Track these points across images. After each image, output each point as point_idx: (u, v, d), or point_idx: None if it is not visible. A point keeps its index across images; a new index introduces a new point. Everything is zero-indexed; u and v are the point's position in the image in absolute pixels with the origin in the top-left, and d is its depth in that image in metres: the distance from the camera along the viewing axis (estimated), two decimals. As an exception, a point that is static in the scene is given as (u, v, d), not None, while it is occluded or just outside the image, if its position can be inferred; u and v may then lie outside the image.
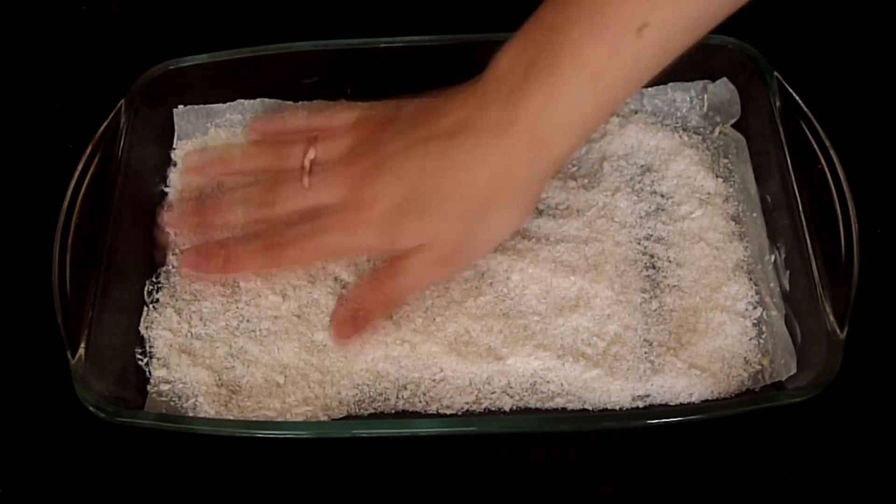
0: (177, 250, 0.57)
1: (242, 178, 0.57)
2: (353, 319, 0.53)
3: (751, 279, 0.55)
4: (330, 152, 0.54)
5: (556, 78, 0.48)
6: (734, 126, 0.60)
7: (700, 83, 0.61)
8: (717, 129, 0.61)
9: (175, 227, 0.57)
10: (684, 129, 0.61)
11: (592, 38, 0.47)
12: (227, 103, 0.61)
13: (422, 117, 0.53)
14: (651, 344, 0.53)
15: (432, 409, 0.52)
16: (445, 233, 0.51)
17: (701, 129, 0.61)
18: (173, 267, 0.57)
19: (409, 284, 0.53)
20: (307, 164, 0.54)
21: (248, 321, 0.55)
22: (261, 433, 0.49)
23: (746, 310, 0.54)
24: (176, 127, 0.61)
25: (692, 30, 0.48)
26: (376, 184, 0.52)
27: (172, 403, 0.52)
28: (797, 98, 0.56)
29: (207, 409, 0.52)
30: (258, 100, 0.61)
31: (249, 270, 0.55)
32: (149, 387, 0.53)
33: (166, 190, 0.59)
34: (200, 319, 0.55)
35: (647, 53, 0.48)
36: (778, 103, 0.56)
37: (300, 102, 0.61)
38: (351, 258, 0.56)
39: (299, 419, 0.51)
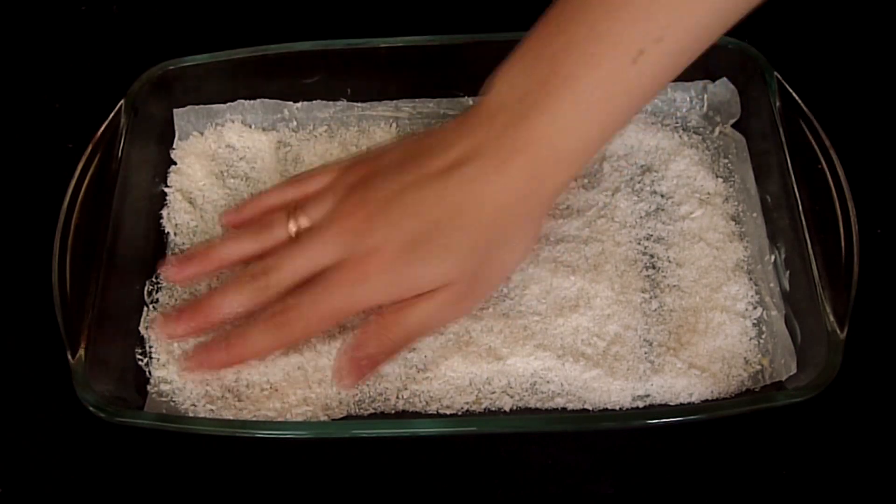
0: (176, 250, 0.57)
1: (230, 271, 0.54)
2: (356, 368, 0.50)
3: (751, 279, 0.55)
4: (316, 215, 0.51)
5: (554, 109, 0.47)
6: (734, 126, 0.60)
7: (700, 83, 0.61)
8: (717, 129, 0.61)
9: (173, 338, 0.53)
10: (684, 129, 0.61)
11: (588, 68, 0.46)
12: (228, 103, 0.62)
13: (410, 159, 0.50)
14: (651, 344, 0.53)
15: (432, 409, 0.52)
16: (458, 272, 0.49)
17: (701, 129, 0.61)
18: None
19: (420, 328, 0.51)
20: (293, 232, 0.51)
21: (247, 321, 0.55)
22: (261, 433, 0.49)
23: (746, 310, 0.54)
24: (176, 127, 0.61)
25: (687, 51, 0.47)
26: (375, 233, 0.49)
27: (172, 404, 0.52)
28: (797, 98, 0.56)
29: (207, 410, 0.52)
30: (258, 100, 0.62)
31: (259, 355, 0.52)
32: (149, 387, 0.53)
33: (166, 190, 0.59)
34: (200, 319, 0.55)
35: (644, 78, 0.46)
36: (778, 103, 0.56)
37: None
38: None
39: (299, 419, 0.51)
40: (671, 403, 0.52)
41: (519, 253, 0.52)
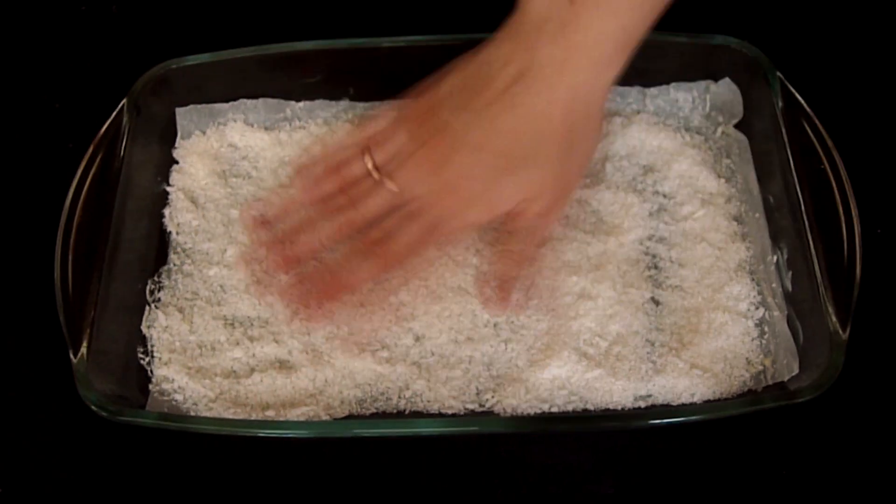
0: (178, 249, 0.57)
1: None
2: (501, 291, 0.54)
3: (753, 279, 0.55)
4: (391, 148, 0.52)
5: (609, 4, 0.48)
6: (736, 126, 0.60)
7: (703, 83, 0.61)
8: (720, 130, 0.61)
9: (279, 268, 0.55)
10: (686, 130, 0.61)
11: None
12: (230, 103, 0.61)
13: (472, 85, 0.51)
14: (653, 344, 0.53)
15: (433, 408, 0.52)
16: (544, 181, 0.51)
17: (703, 130, 0.61)
18: (174, 266, 0.57)
19: (536, 240, 0.54)
20: (370, 167, 0.52)
21: (249, 320, 0.55)
22: (262, 433, 0.49)
23: (748, 310, 0.54)
24: (178, 126, 0.61)
25: None
26: (462, 158, 0.50)
27: (174, 403, 0.52)
28: (800, 98, 0.56)
29: (209, 409, 0.52)
30: (260, 100, 0.62)
31: (363, 283, 0.53)
32: (150, 386, 0.53)
33: (168, 189, 0.59)
34: (202, 318, 0.55)
35: None
36: (780, 103, 0.56)
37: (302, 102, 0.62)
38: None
39: (300, 419, 0.51)
40: (673, 403, 0.52)
41: (591, 146, 0.54)
